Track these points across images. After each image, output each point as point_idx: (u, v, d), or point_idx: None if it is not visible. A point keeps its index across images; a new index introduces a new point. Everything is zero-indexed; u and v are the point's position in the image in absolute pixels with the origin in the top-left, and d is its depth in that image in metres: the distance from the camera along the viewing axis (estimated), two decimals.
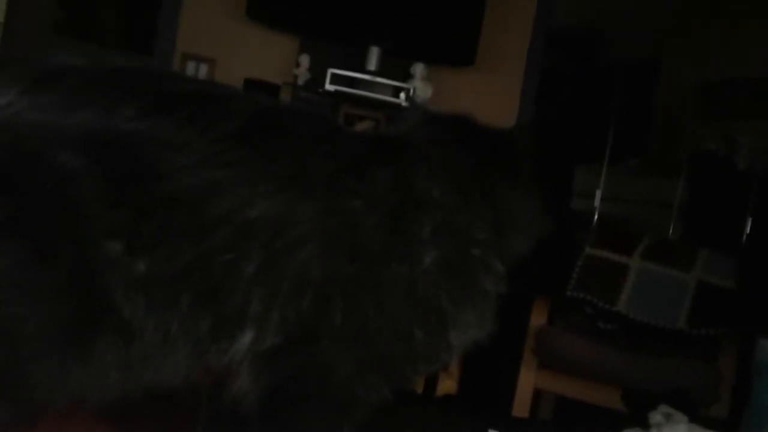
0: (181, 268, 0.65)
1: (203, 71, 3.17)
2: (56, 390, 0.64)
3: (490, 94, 3.32)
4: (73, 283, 0.62)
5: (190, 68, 3.17)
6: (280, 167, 0.70)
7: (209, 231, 0.66)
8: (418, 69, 3.12)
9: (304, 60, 3.09)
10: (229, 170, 0.67)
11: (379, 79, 3.03)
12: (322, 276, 0.70)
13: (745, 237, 3.79)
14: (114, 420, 0.88)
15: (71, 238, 0.62)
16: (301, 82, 3.09)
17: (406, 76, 3.13)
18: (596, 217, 4.61)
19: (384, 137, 0.87)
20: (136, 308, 0.64)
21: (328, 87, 2.98)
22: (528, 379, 2.27)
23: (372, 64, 3.08)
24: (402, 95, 3.03)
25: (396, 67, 3.11)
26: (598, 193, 4.58)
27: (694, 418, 1.12)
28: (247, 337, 0.69)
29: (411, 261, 0.73)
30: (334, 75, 2.98)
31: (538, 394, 2.35)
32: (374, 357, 0.73)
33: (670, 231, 4.05)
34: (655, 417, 1.11)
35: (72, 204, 0.62)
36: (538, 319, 2.37)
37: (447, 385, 2.49)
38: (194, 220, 0.65)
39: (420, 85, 3.09)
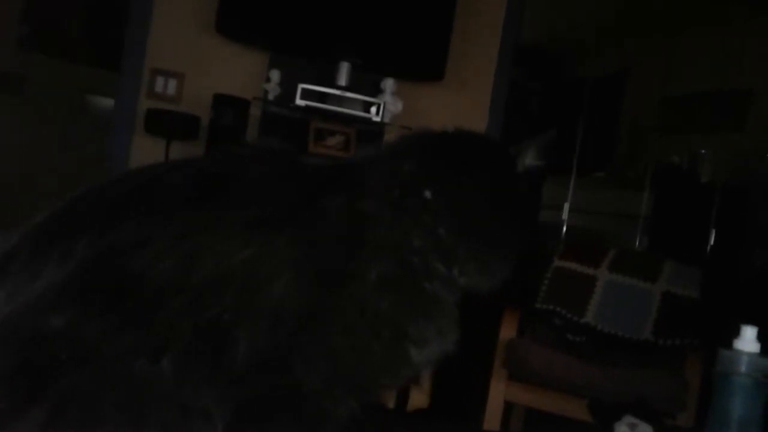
0: (182, 339, 0.71)
1: (172, 86, 3.15)
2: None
3: (459, 108, 3.36)
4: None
5: (159, 83, 3.15)
6: (248, 215, 0.74)
7: (199, 299, 0.71)
8: (388, 84, 3.14)
9: (275, 75, 3.09)
10: (208, 234, 0.72)
11: (349, 94, 3.05)
12: (290, 304, 0.74)
13: (708, 248, 3.88)
14: None
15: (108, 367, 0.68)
16: (271, 97, 3.09)
17: (377, 91, 3.15)
18: (564, 229, 4.68)
19: (338, 165, 0.90)
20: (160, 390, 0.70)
21: (299, 102, 2.98)
22: (498, 392, 2.28)
23: (342, 79, 3.09)
24: (372, 110, 3.05)
25: (366, 82, 3.14)
26: (566, 206, 4.65)
27: (658, 428, 1.15)
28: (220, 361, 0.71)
29: (361, 279, 0.77)
30: (304, 90, 2.98)
31: (508, 407, 2.36)
32: (339, 372, 0.77)
33: (637, 243, 4.12)
34: (621, 427, 1.13)
35: (85, 344, 0.68)
36: (507, 331, 2.39)
37: (419, 399, 2.50)
38: (186, 298, 0.71)
39: (390, 100, 3.12)
